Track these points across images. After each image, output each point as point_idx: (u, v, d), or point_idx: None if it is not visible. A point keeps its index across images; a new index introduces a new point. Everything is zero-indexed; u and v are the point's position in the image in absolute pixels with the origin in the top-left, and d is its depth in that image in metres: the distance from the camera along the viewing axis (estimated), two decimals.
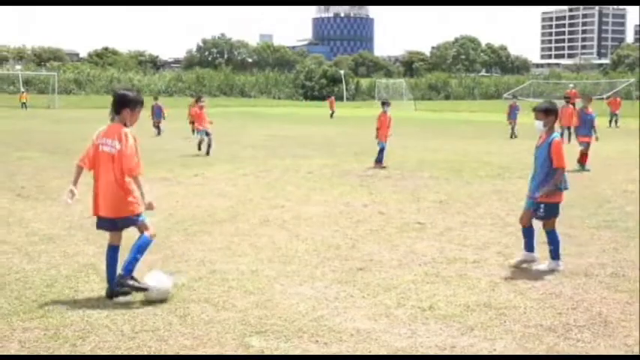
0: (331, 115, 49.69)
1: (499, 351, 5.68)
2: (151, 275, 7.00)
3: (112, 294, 6.90)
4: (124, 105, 6.95)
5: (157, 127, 30.84)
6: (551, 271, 8.07)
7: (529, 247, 8.38)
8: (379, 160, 18.85)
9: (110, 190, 6.77)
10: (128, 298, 6.86)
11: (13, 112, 50.39)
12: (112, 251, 7.03)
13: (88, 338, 5.85)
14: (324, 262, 8.58)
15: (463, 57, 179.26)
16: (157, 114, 31.23)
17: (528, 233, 8.37)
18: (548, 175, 8.11)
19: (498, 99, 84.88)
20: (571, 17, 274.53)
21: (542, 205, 8.14)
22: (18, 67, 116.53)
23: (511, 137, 30.10)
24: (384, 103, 20.53)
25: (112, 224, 6.91)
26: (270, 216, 11.52)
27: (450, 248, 9.30)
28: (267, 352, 5.59)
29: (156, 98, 33.08)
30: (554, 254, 8.21)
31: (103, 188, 6.83)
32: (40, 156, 20.91)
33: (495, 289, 7.44)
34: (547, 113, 8.27)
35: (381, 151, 19.03)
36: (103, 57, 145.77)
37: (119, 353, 5.55)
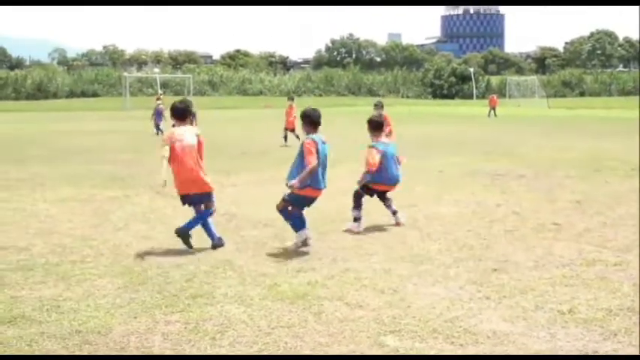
0: (489, 114, 48.23)
1: None
2: None
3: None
4: None
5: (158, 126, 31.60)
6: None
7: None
8: None
9: None
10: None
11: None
12: None
13: (226, 333, 6.01)
14: (458, 262, 8.46)
15: (599, 52, 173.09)
16: (158, 116, 32.21)
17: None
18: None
19: (637, 95, 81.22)
20: None
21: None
22: (156, 70, 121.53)
23: None
24: None
25: None
26: (401, 215, 11.46)
27: (589, 250, 8.96)
28: (401, 352, 5.56)
29: (159, 99, 33.88)
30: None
31: None
32: None
33: None
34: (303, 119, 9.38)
35: None
36: (235, 59, 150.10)
37: (256, 348, 5.67)
